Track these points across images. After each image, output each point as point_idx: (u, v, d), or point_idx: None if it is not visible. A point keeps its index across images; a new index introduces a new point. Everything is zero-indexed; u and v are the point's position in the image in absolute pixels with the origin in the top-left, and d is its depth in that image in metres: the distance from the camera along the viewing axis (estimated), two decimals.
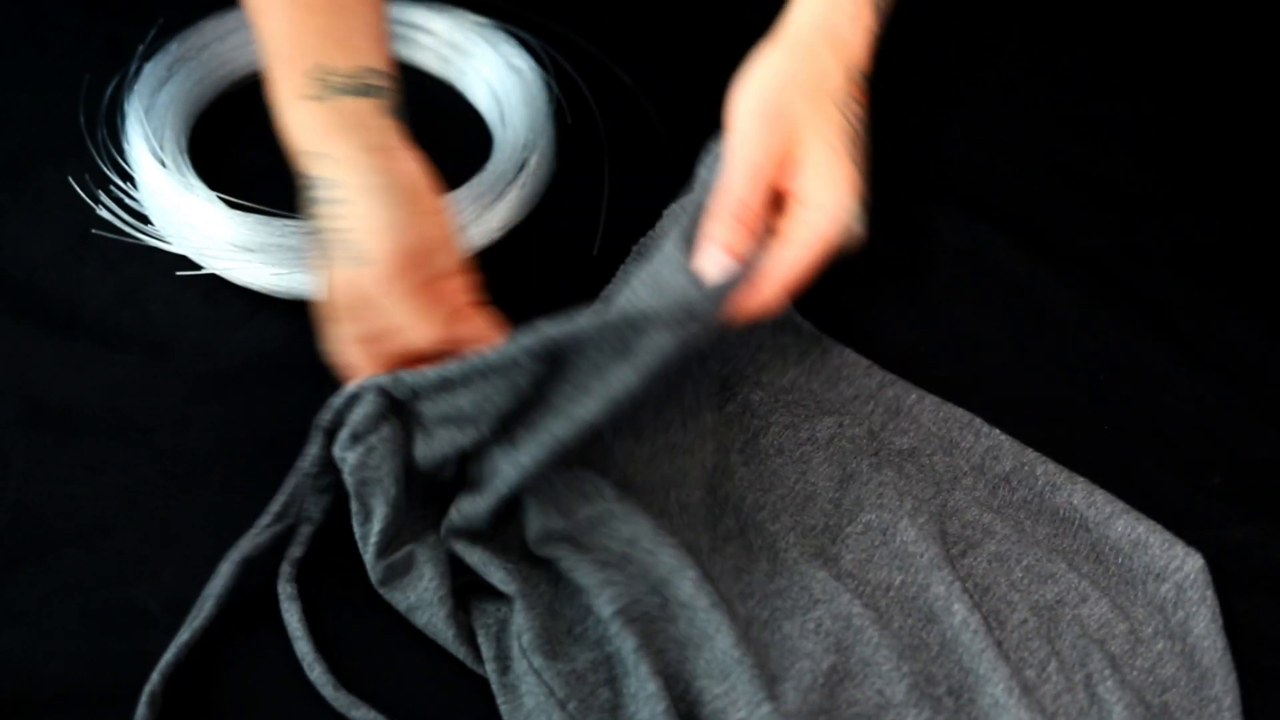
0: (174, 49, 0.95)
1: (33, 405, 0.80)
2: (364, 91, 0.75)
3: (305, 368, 0.83)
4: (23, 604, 0.72)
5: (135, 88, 0.92)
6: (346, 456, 0.71)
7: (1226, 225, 0.99)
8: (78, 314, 0.85)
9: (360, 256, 0.72)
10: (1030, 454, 0.80)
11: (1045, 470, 0.79)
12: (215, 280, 0.85)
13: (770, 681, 0.69)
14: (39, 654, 0.70)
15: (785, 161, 0.70)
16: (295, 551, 0.72)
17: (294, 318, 0.84)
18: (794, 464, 0.79)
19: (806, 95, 0.71)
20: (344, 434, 0.71)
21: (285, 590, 0.71)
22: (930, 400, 0.82)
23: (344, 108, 0.75)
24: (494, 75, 0.97)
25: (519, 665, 0.69)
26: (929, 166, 1.00)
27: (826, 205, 0.69)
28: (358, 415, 0.70)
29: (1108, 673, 0.71)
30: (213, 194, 0.86)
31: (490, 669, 0.70)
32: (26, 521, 0.75)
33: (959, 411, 0.82)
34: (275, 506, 0.73)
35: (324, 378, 0.83)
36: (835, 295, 0.86)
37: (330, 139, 0.74)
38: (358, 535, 0.72)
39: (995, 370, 0.88)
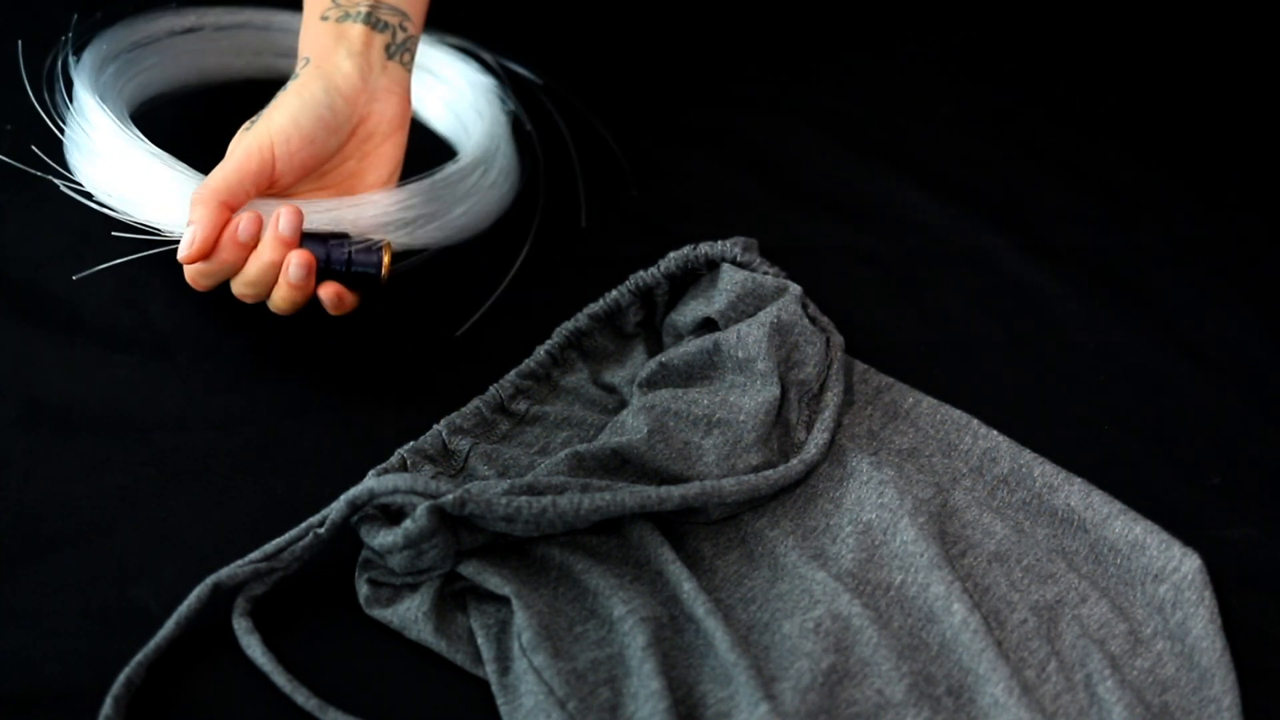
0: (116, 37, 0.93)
1: (33, 405, 0.80)
2: (372, 22, 0.83)
3: (306, 367, 0.84)
4: (23, 604, 0.72)
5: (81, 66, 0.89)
6: (391, 555, 0.71)
7: (1226, 225, 0.99)
8: (78, 314, 0.85)
9: (248, 132, 0.79)
10: (1027, 455, 0.80)
11: (1042, 471, 0.79)
12: None
13: (768, 682, 0.69)
14: (39, 654, 0.70)
15: None
16: (255, 589, 0.71)
17: (294, 317, 0.84)
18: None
19: None
20: (392, 539, 0.70)
21: (240, 625, 0.70)
22: (928, 402, 0.82)
23: (347, 31, 0.83)
24: (449, 92, 0.96)
25: (519, 665, 0.69)
26: (928, 166, 1.00)
27: None
28: (413, 528, 0.69)
29: (1107, 673, 0.71)
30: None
31: (490, 670, 0.70)
32: (26, 521, 0.75)
33: (956, 413, 0.82)
34: (270, 548, 0.72)
35: (325, 377, 0.83)
36: (834, 295, 0.87)
37: (320, 50, 0.82)
38: (363, 559, 0.73)
39: (995, 370, 0.88)
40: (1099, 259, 0.95)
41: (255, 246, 0.78)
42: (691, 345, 0.81)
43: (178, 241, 0.78)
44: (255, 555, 0.71)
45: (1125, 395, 0.87)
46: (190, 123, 0.93)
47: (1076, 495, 0.78)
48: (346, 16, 0.83)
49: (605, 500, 0.71)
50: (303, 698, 0.68)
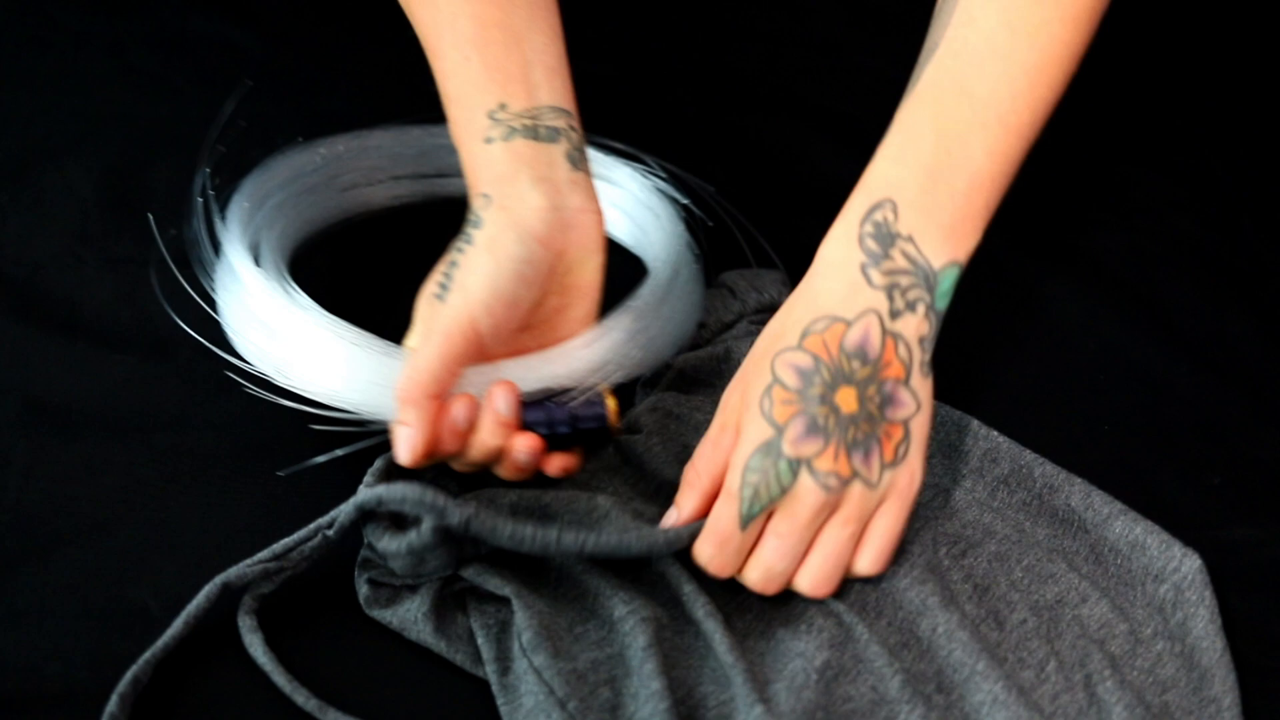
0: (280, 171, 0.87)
1: (33, 405, 0.80)
2: (543, 134, 0.74)
3: None
4: (23, 604, 0.72)
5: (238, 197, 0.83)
6: (394, 560, 0.71)
7: (1226, 225, 0.99)
8: (78, 314, 0.85)
9: (442, 301, 0.72)
10: (1028, 455, 0.80)
11: (1043, 471, 0.79)
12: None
13: (763, 685, 0.69)
14: (39, 654, 0.70)
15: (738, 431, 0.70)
16: (263, 588, 0.71)
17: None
18: None
19: (753, 361, 0.70)
20: (397, 546, 0.70)
21: (244, 624, 0.70)
22: None
23: (520, 152, 0.74)
24: (618, 194, 0.90)
25: (519, 665, 0.69)
26: None
27: (730, 470, 0.69)
28: (417, 542, 0.69)
29: (1107, 673, 0.71)
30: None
31: (490, 670, 0.70)
32: (26, 521, 0.75)
33: (956, 414, 0.82)
34: (279, 548, 0.72)
35: None
36: None
37: (497, 183, 0.74)
38: (362, 559, 0.73)
39: (995, 370, 0.88)
40: (1099, 259, 0.95)
41: (473, 429, 0.72)
42: (704, 351, 0.81)
43: (383, 428, 0.73)
44: (264, 555, 0.71)
45: (1125, 395, 0.87)
46: (345, 270, 0.87)
47: (1077, 495, 0.78)
48: (513, 133, 0.74)
49: (613, 543, 0.70)
50: (303, 698, 0.68)
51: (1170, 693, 0.72)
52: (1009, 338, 0.90)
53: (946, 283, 0.68)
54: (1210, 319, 0.92)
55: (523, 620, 0.70)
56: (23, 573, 0.73)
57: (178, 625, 0.69)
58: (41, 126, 0.96)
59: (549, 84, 0.76)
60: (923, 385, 0.69)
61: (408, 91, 1.01)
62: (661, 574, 0.73)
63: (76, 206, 0.90)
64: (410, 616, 0.71)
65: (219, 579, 0.70)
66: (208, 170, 0.84)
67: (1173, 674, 0.72)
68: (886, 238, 0.67)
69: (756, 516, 0.68)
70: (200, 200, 0.81)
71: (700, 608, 0.71)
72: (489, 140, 0.74)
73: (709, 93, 1.05)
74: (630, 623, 0.70)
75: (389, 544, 0.70)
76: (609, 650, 0.70)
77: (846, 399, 0.67)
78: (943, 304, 0.69)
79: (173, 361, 0.83)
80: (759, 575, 0.70)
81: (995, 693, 0.69)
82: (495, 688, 0.70)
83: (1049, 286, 0.93)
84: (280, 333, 0.75)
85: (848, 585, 0.74)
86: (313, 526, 0.72)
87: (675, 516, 0.72)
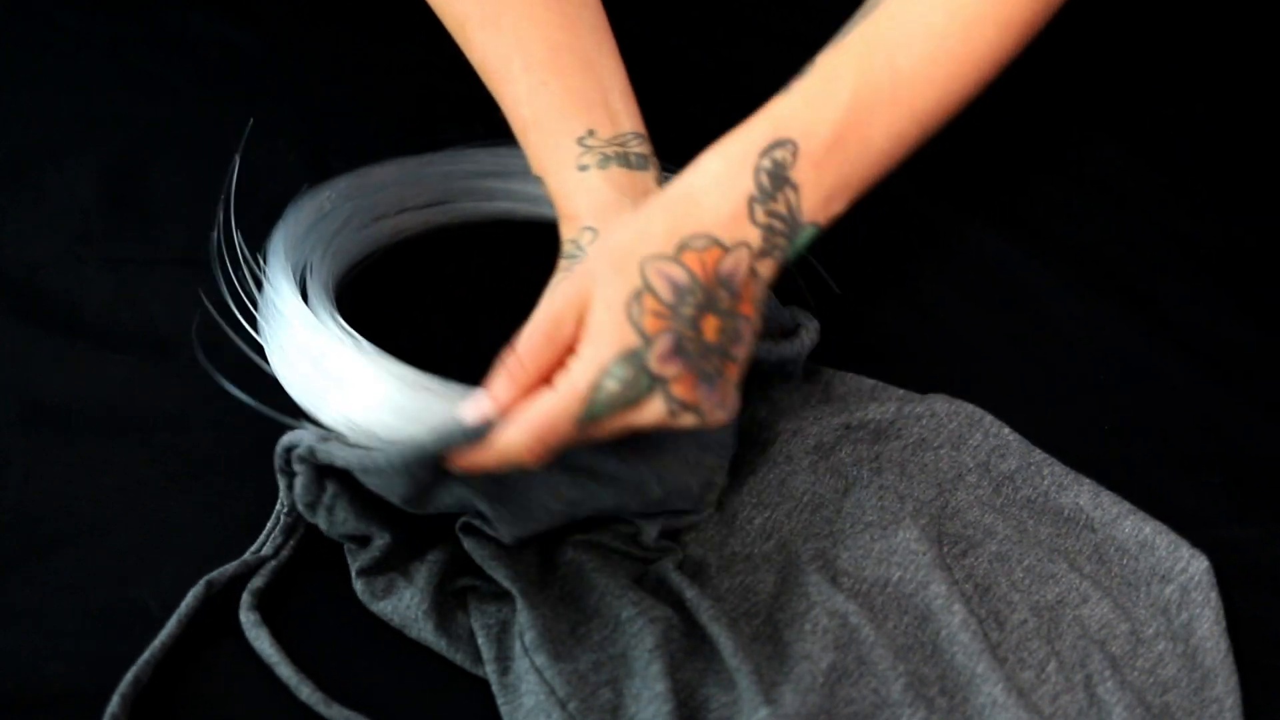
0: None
1: (33, 405, 0.80)
2: (633, 162, 0.74)
3: None
4: (23, 604, 0.72)
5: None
6: (315, 520, 0.72)
7: (1225, 224, 0.98)
8: (78, 314, 0.85)
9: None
10: (1038, 454, 0.80)
11: (1052, 471, 0.79)
12: (214, 280, 0.85)
13: (769, 687, 0.69)
14: (39, 654, 0.70)
15: (578, 322, 0.66)
16: (256, 583, 0.72)
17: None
18: (801, 474, 0.79)
19: (613, 257, 0.66)
20: (298, 504, 0.71)
21: (248, 619, 0.71)
22: (942, 397, 0.82)
23: (617, 180, 0.73)
24: None
25: (520, 664, 0.69)
26: (927, 166, 1.00)
27: (578, 365, 0.65)
28: (298, 489, 0.70)
29: (1108, 673, 0.71)
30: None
31: (490, 669, 0.70)
32: (26, 521, 0.75)
33: (969, 408, 0.82)
34: (255, 546, 0.73)
35: None
36: (835, 297, 0.87)
37: (599, 212, 0.73)
38: (349, 560, 0.73)
39: (995, 370, 0.88)
40: (1099, 258, 0.95)
41: None
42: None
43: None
44: (244, 556, 0.73)
45: (1125, 395, 0.87)
46: (377, 308, 0.85)
47: (1086, 495, 0.78)
48: (608, 161, 0.74)
49: (414, 450, 0.67)
50: (308, 690, 0.68)
51: (1171, 693, 0.72)
52: (1008, 338, 0.90)
53: (803, 240, 0.67)
54: (1211, 318, 0.92)
55: (525, 620, 0.70)
56: (23, 573, 0.73)
57: (172, 625, 0.69)
58: (41, 126, 0.96)
59: (627, 109, 0.76)
60: (758, 327, 0.68)
61: (408, 92, 1.02)
62: (663, 579, 0.73)
63: (76, 206, 0.90)
64: (411, 614, 0.71)
65: (204, 579, 0.71)
66: (235, 229, 0.83)
67: (1174, 674, 0.72)
68: (779, 180, 0.65)
69: (596, 420, 0.65)
70: (243, 255, 0.80)
71: (705, 611, 0.71)
72: (583, 168, 0.73)
73: (730, 93, 1.05)
74: (639, 623, 0.70)
75: (306, 516, 0.72)
76: (611, 651, 0.70)
77: (710, 326, 0.65)
78: (792, 258, 0.68)
79: (173, 361, 0.83)
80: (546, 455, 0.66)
81: (995, 695, 0.69)
82: (495, 687, 0.70)
83: (1049, 286, 0.92)
84: (357, 388, 0.73)
85: (855, 586, 0.74)
86: (276, 509, 0.73)
87: (485, 406, 0.66)
